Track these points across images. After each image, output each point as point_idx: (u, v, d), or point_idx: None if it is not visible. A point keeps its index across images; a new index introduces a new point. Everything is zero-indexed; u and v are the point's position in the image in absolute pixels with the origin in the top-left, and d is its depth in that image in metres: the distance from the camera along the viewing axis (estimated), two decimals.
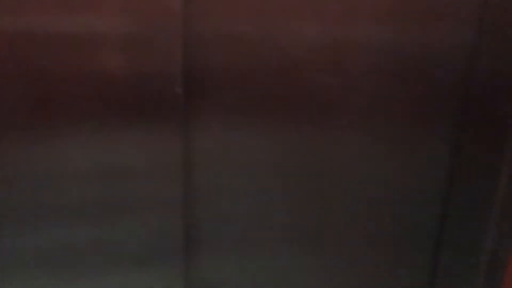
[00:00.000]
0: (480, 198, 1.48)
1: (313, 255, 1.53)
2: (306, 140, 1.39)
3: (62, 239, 1.39)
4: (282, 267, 1.53)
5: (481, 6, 1.28)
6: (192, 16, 1.20)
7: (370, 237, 1.52)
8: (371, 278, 1.57)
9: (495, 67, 1.34)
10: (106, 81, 1.22)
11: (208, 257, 1.48)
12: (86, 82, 1.22)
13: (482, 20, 1.29)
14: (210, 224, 1.45)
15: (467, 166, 1.45)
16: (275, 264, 1.52)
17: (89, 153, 1.30)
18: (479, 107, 1.39)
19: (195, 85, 1.27)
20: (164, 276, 1.46)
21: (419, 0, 1.27)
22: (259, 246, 1.49)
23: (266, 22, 1.25)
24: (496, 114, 1.40)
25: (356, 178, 1.44)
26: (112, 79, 1.22)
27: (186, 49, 1.22)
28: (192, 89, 1.27)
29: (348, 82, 1.33)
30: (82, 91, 1.22)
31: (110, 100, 1.24)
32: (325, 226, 1.49)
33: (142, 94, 1.24)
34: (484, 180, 1.46)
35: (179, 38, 1.20)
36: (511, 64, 1.34)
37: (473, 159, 1.44)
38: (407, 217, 1.50)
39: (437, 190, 1.48)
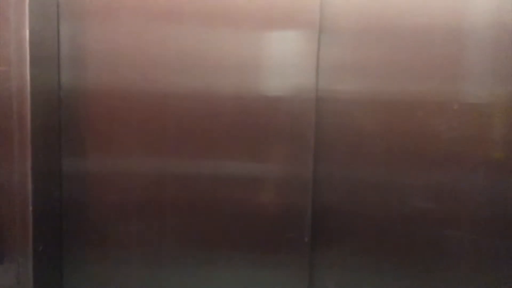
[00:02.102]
0: None
1: None
2: None
3: None
4: None
5: None
6: (320, 163, 1.31)
7: None
8: None
9: None
10: (249, 222, 1.37)
11: None
12: (233, 221, 1.37)
13: None
14: None
15: None
16: None
17: (224, 282, 1.40)
18: None
19: (321, 236, 1.35)
20: None
21: None
22: None
23: (391, 172, 1.29)
24: None
25: None
26: (254, 221, 1.37)
27: (314, 198, 1.32)
28: (318, 239, 1.36)
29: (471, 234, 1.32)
30: (228, 228, 1.38)
31: (250, 239, 1.38)
32: None
33: (276, 239, 1.37)
34: None
35: (309, 183, 1.32)
36: None
37: None
38: None
39: None
